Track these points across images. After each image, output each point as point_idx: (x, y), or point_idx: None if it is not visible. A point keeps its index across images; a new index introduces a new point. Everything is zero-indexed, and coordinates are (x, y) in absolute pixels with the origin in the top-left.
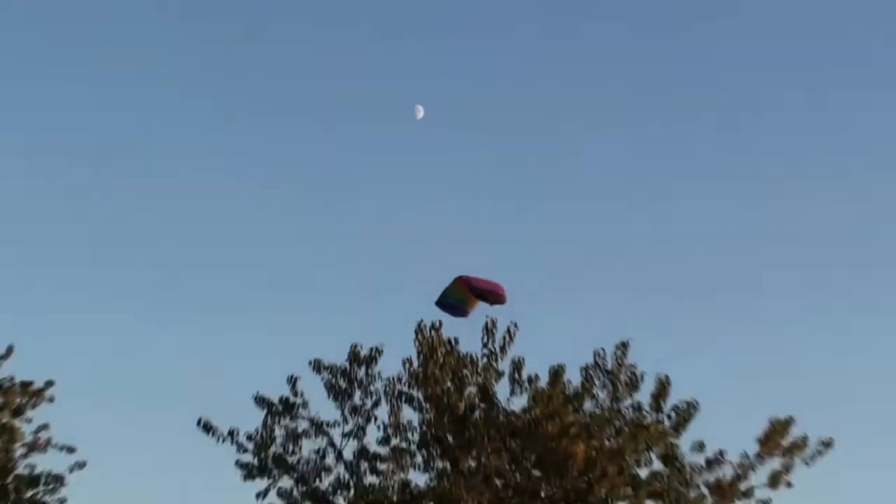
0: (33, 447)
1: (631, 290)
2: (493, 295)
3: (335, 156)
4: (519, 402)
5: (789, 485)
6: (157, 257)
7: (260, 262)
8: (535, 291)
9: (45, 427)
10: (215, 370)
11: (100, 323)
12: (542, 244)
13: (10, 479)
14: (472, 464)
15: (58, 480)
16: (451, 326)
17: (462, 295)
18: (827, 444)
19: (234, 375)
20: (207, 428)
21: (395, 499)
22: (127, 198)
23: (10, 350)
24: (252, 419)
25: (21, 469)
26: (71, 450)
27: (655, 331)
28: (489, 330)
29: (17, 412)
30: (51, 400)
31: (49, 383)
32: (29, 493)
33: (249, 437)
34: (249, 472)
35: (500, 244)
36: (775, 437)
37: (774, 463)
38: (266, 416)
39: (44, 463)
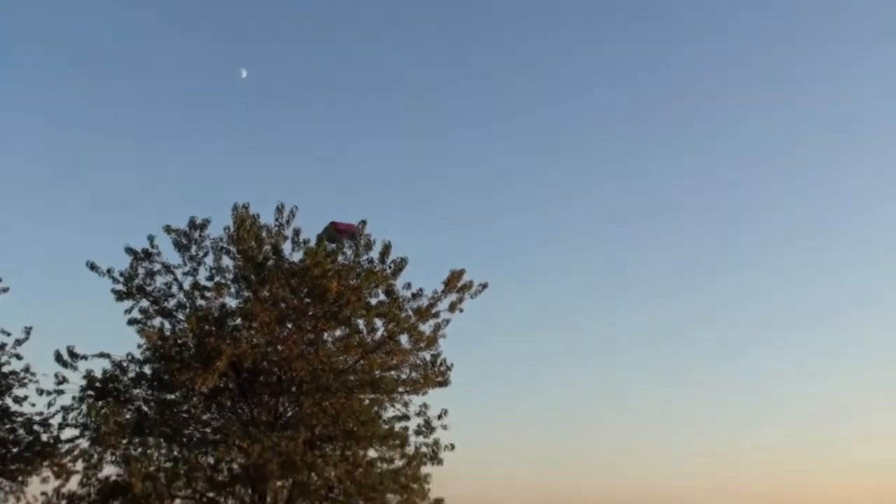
0: None
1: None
2: (347, 233)
3: None
4: (297, 256)
5: (461, 310)
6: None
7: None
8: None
9: None
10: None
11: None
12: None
13: None
14: (266, 294)
15: None
16: (257, 206)
17: (332, 231)
18: (484, 286)
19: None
20: (93, 267)
21: (216, 315)
22: None
23: None
24: (123, 263)
25: None
26: None
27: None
28: (280, 210)
29: None
30: None
31: None
32: None
33: (121, 274)
34: (119, 296)
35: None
36: (454, 281)
37: (452, 297)
38: (132, 260)
39: None
